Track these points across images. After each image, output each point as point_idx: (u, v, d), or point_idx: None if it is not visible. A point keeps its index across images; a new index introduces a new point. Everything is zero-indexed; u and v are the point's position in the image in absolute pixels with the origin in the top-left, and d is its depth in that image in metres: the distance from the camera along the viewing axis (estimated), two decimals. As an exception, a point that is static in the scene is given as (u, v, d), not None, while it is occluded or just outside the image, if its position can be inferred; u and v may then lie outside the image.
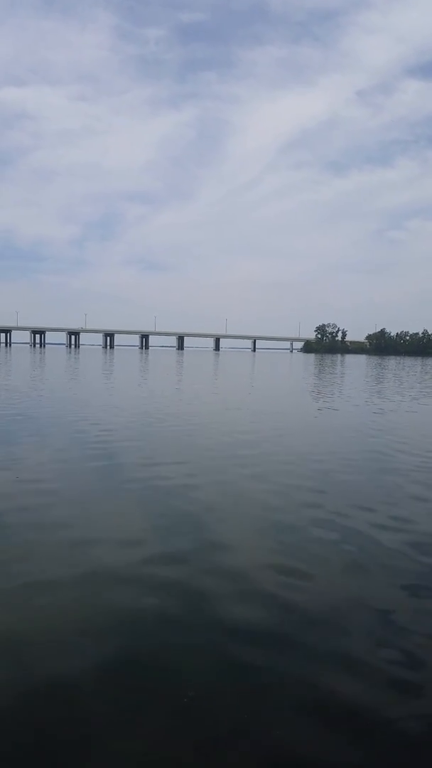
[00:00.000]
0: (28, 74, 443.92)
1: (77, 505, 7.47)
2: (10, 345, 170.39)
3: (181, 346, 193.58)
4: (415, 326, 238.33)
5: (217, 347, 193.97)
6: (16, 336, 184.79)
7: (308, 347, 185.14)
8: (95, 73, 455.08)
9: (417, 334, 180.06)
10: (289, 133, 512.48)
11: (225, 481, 9.02)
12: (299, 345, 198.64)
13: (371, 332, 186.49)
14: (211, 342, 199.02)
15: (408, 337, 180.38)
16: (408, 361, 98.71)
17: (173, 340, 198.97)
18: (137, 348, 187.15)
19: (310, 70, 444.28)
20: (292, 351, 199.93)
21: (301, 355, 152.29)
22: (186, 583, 5.12)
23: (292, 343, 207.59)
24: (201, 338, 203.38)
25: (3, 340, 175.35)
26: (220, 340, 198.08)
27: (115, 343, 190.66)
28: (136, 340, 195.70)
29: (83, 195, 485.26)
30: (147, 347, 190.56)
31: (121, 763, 3.00)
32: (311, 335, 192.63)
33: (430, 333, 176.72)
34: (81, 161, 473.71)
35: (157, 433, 13.53)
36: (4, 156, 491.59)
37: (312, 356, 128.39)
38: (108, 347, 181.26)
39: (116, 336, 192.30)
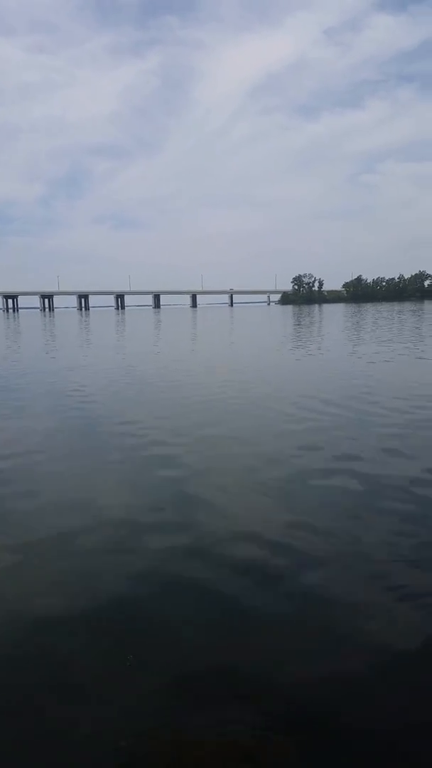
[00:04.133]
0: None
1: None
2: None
3: (157, 304, 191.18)
4: (390, 271, 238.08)
5: (194, 304, 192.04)
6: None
7: (286, 299, 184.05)
8: (51, 21, 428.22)
9: (393, 279, 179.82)
10: (257, 77, 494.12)
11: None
12: (276, 297, 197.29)
13: (348, 280, 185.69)
14: (188, 299, 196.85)
15: (384, 283, 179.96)
16: (385, 307, 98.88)
17: (149, 299, 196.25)
18: (113, 309, 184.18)
19: (276, 9, 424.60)
20: (269, 304, 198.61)
21: (279, 307, 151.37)
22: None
23: (269, 296, 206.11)
24: (177, 296, 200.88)
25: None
26: (197, 296, 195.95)
27: (90, 305, 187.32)
28: (111, 300, 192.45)
29: (48, 151, 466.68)
30: (123, 307, 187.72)
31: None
32: (288, 287, 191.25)
33: (405, 278, 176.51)
34: (43, 116, 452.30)
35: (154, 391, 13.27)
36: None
37: (290, 308, 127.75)
38: (83, 309, 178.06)
39: (91, 297, 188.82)
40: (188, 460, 7.89)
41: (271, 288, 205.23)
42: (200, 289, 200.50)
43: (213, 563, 4.81)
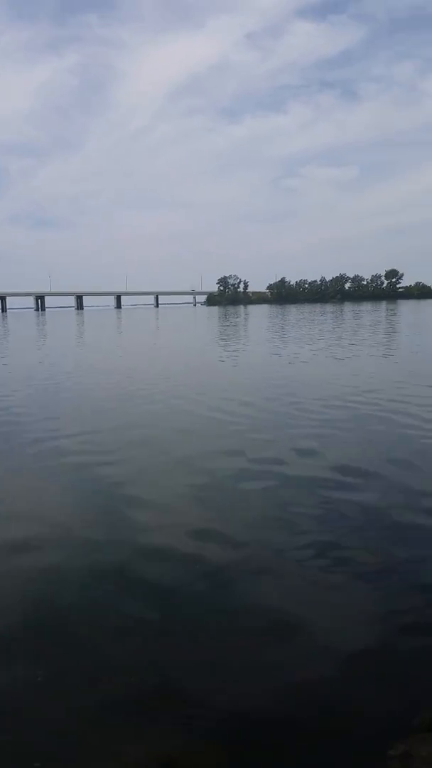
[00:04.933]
0: None
1: None
2: None
3: (80, 306, 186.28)
4: (313, 274, 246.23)
5: (119, 305, 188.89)
6: None
7: (211, 300, 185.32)
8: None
9: (315, 281, 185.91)
10: (180, 78, 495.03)
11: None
12: (202, 299, 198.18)
13: (272, 282, 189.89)
14: (112, 300, 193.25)
15: (307, 285, 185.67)
16: (307, 308, 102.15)
17: (72, 300, 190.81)
18: (33, 310, 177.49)
19: (198, 11, 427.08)
20: (195, 305, 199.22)
21: (205, 308, 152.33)
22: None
23: (195, 297, 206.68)
24: (101, 297, 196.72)
25: None
26: (122, 297, 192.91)
27: (7, 307, 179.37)
28: (31, 302, 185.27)
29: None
30: (43, 309, 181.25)
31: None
32: (214, 288, 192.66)
33: (327, 280, 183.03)
34: None
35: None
36: None
37: (216, 309, 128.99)
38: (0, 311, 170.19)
39: (8, 299, 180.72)
40: (102, 465, 7.82)
41: (197, 289, 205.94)
42: (125, 290, 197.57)
43: (131, 575, 4.83)
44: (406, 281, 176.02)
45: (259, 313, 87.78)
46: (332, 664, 3.65)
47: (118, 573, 4.82)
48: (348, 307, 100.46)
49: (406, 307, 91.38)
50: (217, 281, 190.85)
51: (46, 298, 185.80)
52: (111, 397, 13.60)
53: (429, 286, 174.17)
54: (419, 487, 6.73)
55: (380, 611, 4.22)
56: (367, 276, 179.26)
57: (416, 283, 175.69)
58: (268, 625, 4.09)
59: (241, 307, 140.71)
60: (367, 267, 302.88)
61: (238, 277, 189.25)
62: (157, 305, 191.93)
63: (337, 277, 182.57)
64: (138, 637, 3.96)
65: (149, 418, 11.01)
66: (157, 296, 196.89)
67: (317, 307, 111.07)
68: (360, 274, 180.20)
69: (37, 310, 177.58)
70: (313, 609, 4.26)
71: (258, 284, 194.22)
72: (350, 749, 3.04)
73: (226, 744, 3.06)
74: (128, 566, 4.94)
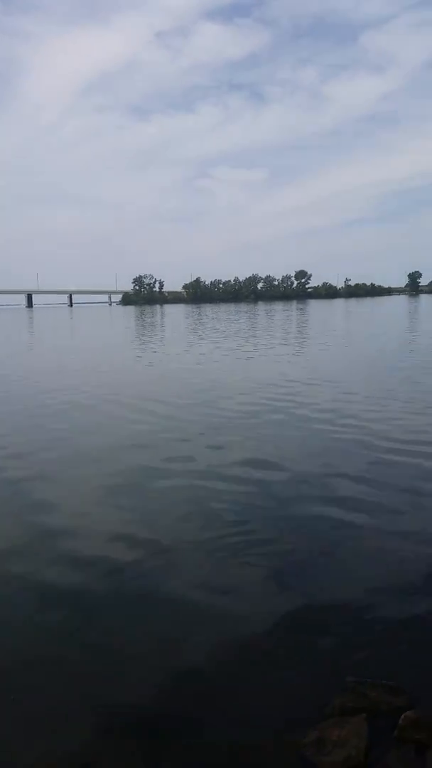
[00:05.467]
0: None
1: None
2: None
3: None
4: (227, 274, 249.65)
5: (30, 304, 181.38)
6: None
7: (127, 300, 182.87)
8: None
9: (230, 281, 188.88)
10: (90, 74, 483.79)
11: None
12: (118, 298, 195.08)
13: (187, 282, 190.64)
14: (22, 299, 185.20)
15: (221, 285, 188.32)
16: (222, 308, 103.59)
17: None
18: None
19: (107, 7, 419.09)
20: (111, 304, 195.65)
21: (121, 308, 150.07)
22: None
23: (110, 297, 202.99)
24: (10, 295, 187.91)
25: None
26: (33, 296, 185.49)
27: None
28: None
29: None
30: None
31: None
32: (129, 287, 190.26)
33: (241, 280, 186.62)
34: None
35: None
36: None
37: (132, 309, 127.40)
38: None
39: None
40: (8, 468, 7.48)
41: (112, 288, 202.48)
42: (36, 288, 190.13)
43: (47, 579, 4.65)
44: (314, 282, 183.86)
45: (175, 312, 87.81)
46: (241, 652, 3.72)
47: (29, 577, 4.63)
48: (261, 307, 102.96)
49: (314, 306, 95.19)
50: (132, 280, 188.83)
51: None
52: (11, 398, 13.02)
53: (335, 287, 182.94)
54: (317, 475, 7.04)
55: (289, 599, 4.35)
56: (278, 276, 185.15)
57: (323, 284, 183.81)
58: (172, 614, 4.12)
59: (158, 306, 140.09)
60: (279, 267, 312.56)
61: (153, 277, 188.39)
62: (71, 304, 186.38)
63: (250, 277, 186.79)
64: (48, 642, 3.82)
65: (58, 419, 10.66)
66: (70, 295, 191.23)
67: (232, 307, 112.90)
68: (272, 275, 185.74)
69: None
70: (221, 597, 4.34)
71: (174, 284, 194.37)
72: (264, 740, 3.09)
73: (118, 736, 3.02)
74: (40, 572, 4.75)
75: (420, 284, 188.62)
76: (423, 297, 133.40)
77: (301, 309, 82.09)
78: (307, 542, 5.29)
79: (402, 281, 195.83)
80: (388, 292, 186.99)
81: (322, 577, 4.69)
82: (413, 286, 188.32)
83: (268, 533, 5.47)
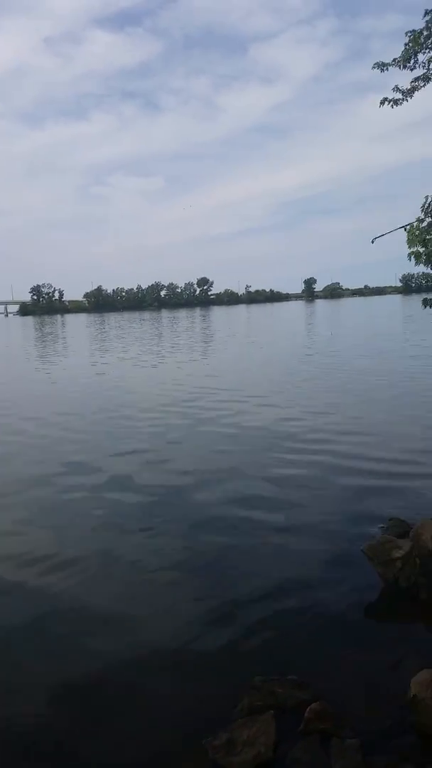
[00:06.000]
0: None
1: None
2: None
3: None
4: (129, 282, 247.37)
5: None
6: None
7: (25, 310, 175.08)
8: None
9: (132, 289, 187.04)
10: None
11: None
12: (15, 308, 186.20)
13: (88, 290, 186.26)
14: None
15: (124, 294, 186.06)
16: (126, 316, 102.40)
17: None
18: None
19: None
20: (7, 315, 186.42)
21: (19, 318, 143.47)
22: None
23: (6, 307, 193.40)
24: None
25: None
26: None
27: None
28: None
29: None
30: None
31: None
32: (27, 297, 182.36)
33: (143, 288, 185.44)
34: None
35: None
36: None
37: (30, 319, 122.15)
38: None
39: None
40: None
41: (8, 299, 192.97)
42: None
43: None
44: (216, 288, 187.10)
45: (76, 322, 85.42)
46: (149, 659, 3.69)
47: None
48: (165, 314, 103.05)
49: (216, 313, 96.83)
50: (30, 290, 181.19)
51: None
52: None
53: (236, 293, 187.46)
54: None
55: (195, 602, 4.37)
56: (181, 284, 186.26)
57: (225, 290, 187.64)
58: (73, 624, 4.01)
59: (58, 316, 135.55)
60: (181, 275, 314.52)
61: (52, 286, 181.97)
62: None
63: (152, 285, 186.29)
64: None
65: None
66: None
67: (136, 315, 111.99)
68: (174, 282, 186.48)
69: None
70: (127, 605, 4.28)
71: (74, 293, 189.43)
72: (174, 747, 3.06)
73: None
74: None
75: (315, 290, 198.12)
76: (318, 302, 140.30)
77: (204, 316, 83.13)
78: (211, 543, 5.34)
79: (299, 287, 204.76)
80: (287, 297, 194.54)
81: (227, 578, 4.75)
82: (309, 292, 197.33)
83: (172, 538, 5.45)
